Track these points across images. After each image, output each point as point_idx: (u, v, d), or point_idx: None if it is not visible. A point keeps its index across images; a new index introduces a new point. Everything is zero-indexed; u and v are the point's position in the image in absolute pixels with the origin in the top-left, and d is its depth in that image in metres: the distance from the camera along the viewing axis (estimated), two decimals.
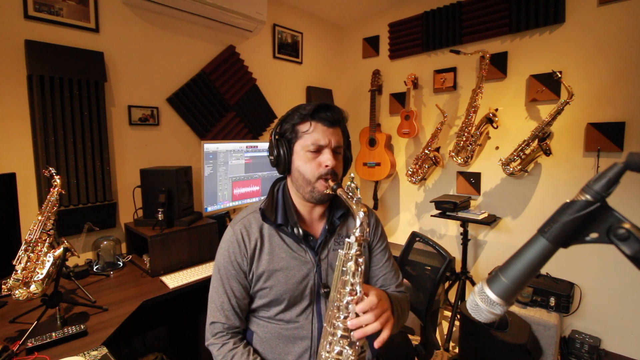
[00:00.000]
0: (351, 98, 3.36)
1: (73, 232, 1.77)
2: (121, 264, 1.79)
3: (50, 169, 1.36)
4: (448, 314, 2.55)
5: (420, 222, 2.94)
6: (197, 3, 1.96)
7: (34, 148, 1.66)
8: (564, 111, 2.01)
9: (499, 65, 2.38)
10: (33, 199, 1.66)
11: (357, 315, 0.76)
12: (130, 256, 1.87)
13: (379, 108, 3.12)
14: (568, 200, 0.44)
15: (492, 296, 0.48)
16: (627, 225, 0.40)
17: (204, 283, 1.61)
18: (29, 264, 1.16)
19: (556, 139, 2.18)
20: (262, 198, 1.12)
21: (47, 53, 1.63)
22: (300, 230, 0.96)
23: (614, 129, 1.99)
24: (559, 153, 2.18)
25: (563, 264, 2.19)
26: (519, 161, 2.19)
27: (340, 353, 0.76)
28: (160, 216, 1.66)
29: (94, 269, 1.74)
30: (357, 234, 0.77)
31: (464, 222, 2.35)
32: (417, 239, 1.57)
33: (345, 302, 0.77)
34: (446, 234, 2.78)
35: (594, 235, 0.43)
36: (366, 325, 0.75)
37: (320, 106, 0.93)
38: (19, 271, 1.13)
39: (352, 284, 0.77)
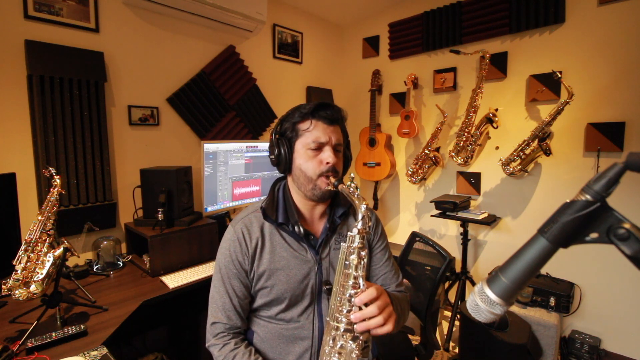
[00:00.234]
0: (351, 98, 3.36)
1: (73, 232, 1.77)
2: (121, 264, 1.79)
3: (50, 169, 1.36)
4: (448, 314, 2.55)
5: (420, 222, 2.94)
6: (197, 3, 1.96)
7: (34, 148, 1.66)
8: (564, 111, 2.01)
9: (499, 65, 2.38)
10: (33, 199, 1.66)
11: (359, 308, 0.76)
12: (130, 256, 1.87)
13: (379, 108, 3.12)
14: (568, 200, 0.44)
15: (492, 296, 0.48)
16: (627, 225, 0.40)
17: (204, 283, 1.61)
18: (29, 264, 1.16)
19: (556, 139, 2.18)
20: (262, 198, 1.12)
21: (47, 53, 1.63)
22: (301, 229, 0.96)
23: (614, 129, 1.99)
24: (559, 153, 2.18)
25: (563, 264, 2.19)
26: (519, 161, 2.19)
27: (343, 347, 0.76)
28: (160, 216, 1.66)
29: (94, 269, 1.73)
30: (360, 226, 0.78)
31: (464, 222, 2.35)
32: (417, 239, 1.57)
33: (347, 295, 0.77)
34: (446, 234, 2.78)
35: (594, 235, 0.43)
36: (369, 318, 0.75)
37: (320, 105, 0.94)
38: (19, 271, 1.13)
39: (355, 277, 0.77)
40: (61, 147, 1.69)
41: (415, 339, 1.50)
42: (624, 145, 1.97)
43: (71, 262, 1.69)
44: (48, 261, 1.18)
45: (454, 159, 2.43)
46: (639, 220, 0.43)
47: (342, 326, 0.77)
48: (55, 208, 1.28)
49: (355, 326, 0.76)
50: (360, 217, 0.79)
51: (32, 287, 1.13)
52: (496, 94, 2.42)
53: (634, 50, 1.92)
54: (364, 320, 0.76)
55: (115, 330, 1.20)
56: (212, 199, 2.04)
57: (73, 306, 1.36)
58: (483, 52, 2.28)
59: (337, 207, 1.03)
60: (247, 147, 2.19)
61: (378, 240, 1.07)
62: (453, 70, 2.61)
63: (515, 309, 2.06)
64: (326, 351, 0.78)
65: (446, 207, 2.35)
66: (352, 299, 0.76)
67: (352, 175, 0.95)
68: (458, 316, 2.18)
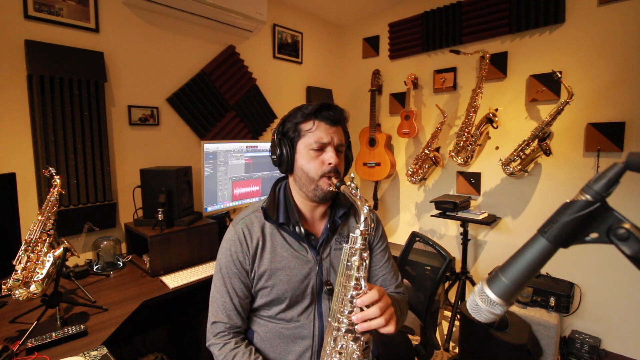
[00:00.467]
0: (351, 98, 3.36)
1: (73, 232, 1.77)
2: (121, 264, 1.79)
3: (50, 169, 1.36)
4: (448, 314, 2.55)
5: (420, 222, 2.94)
6: (197, 3, 1.96)
7: (34, 148, 1.65)
8: (564, 111, 2.01)
9: (499, 65, 2.38)
10: (33, 199, 1.66)
11: (361, 309, 0.76)
12: (130, 256, 1.87)
13: (379, 108, 3.12)
14: (568, 200, 0.44)
15: (492, 296, 0.48)
16: (627, 225, 0.40)
17: (204, 283, 1.61)
18: (29, 264, 1.16)
19: (556, 139, 2.18)
20: (262, 198, 1.12)
21: (47, 53, 1.63)
22: (302, 229, 0.96)
23: (614, 129, 1.99)
24: (559, 153, 2.18)
25: (563, 264, 2.19)
26: (519, 161, 2.19)
27: (344, 348, 0.76)
28: (160, 216, 1.66)
29: (94, 269, 1.73)
30: (362, 227, 0.78)
31: (464, 222, 2.35)
32: (417, 239, 1.57)
33: (349, 296, 0.77)
34: (446, 234, 2.78)
35: (594, 235, 0.43)
36: (371, 319, 0.75)
37: (323, 105, 0.94)
38: (19, 271, 1.13)
39: (356, 279, 0.77)
40: (61, 147, 1.69)
41: (415, 339, 1.50)
42: (624, 145, 1.97)
43: (71, 262, 1.69)
44: (48, 261, 1.18)
45: (454, 159, 2.43)
46: (639, 220, 0.43)
47: (343, 327, 0.77)
48: (55, 208, 1.28)
49: (356, 327, 0.76)
50: (362, 218, 0.78)
51: (32, 287, 1.13)
52: (496, 94, 2.42)
53: (634, 50, 1.92)
54: (365, 321, 0.76)
55: (115, 330, 1.20)
56: (212, 199, 2.04)
57: (73, 306, 1.36)
58: (483, 52, 2.28)
59: (338, 207, 1.03)
60: (247, 147, 2.19)
61: (378, 241, 1.07)
62: (453, 70, 2.61)
63: (515, 309, 2.06)
64: (327, 351, 0.78)
65: (446, 207, 2.35)
66: (354, 300, 0.77)
67: (352, 175, 0.95)
68: (458, 316, 2.18)
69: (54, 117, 1.66)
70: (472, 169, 2.58)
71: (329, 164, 0.93)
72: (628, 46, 1.94)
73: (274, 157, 0.99)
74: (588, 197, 0.42)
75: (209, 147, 1.97)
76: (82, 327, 1.17)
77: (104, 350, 1.06)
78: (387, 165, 2.86)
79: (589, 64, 2.06)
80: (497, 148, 2.44)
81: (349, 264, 0.78)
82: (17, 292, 1.10)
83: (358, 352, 0.76)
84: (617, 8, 1.96)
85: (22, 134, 1.63)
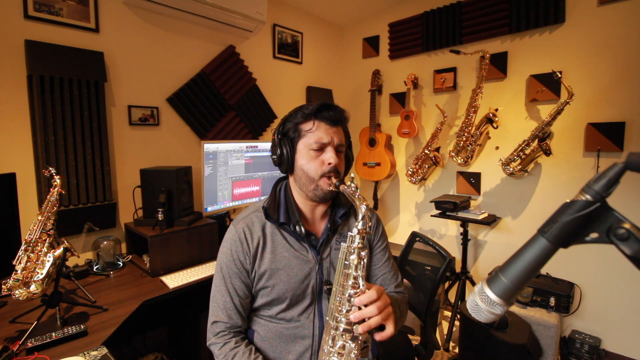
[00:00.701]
0: (351, 98, 3.36)
1: (73, 232, 1.77)
2: (121, 264, 1.79)
3: (50, 169, 1.36)
4: (448, 314, 2.55)
5: (420, 222, 2.94)
6: (197, 3, 1.95)
7: (34, 148, 1.65)
8: (564, 111, 2.01)
9: (499, 65, 2.38)
10: (33, 199, 1.66)
11: (359, 308, 0.76)
12: (130, 256, 1.87)
13: (379, 108, 3.12)
14: (568, 200, 0.44)
15: (492, 296, 0.48)
16: (627, 225, 0.40)
17: (204, 283, 1.61)
18: (29, 264, 1.16)
19: (556, 139, 2.18)
20: (263, 198, 1.12)
21: (47, 53, 1.63)
22: (303, 229, 0.96)
23: (614, 129, 1.99)
24: (559, 153, 2.18)
25: (563, 264, 2.19)
26: (519, 161, 2.19)
27: (343, 347, 0.76)
28: (160, 216, 1.66)
29: (94, 269, 1.73)
30: (360, 226, 0.78)
31: (464, 222, 2.35)
32: (417, 239, 1.57)
33: (347, 295, 0.77)
34: (446, 234, 2.78)
35: (594, 235, 0.43)
36: (369, 318, 0.75)
37: (323, 105, 0.94)
38: (19, 271, 1.13)
39: (354, 277, 0.77)
40: (61, 147, 1.69)
41: (415, 339, 1.50)
42: (624, 145, 1.97)
43: (71, 262, 1.69)
44: (48, 261, 1.18)
45: (454, 159, 2.43)
46: (639, 220, 0.43)
47: (341, 326, 0.77)
48: (55, 208, 1.28)
49: (354, 326, 0.76)
50: (360, 217, 0.79)
51: (32, 287, 1.13)
52: (496, 94, 2.42)
53: (634, 50, 1.92)
54: (363, 320, 0.76)
55: (115, 330, 1.20)
56: (212, 199, 2.04)
57: (73, 306, 1.36)
58: (483, 52, 2.28)
59: (338, 207, 1.03)
60: (247, 147, 2.19)
61: (378, 240, 1.07)
62: (453, 70, 2.61)
63: (515, 309, 2.06)
64: (325, 351, 0.78)
65: (446, 207, 2.35)
66: (352, 299, 0.77)
67: (352, 175, 0.95)
68: (458, 316, 2.18)
69: (54, 117, 1.66)
70: (472, 169, 2.58)
71: (329, 164, 0.93)
72: (628, 46, 1.94)
73: (275, 157, 0.99)
74: (588, 197, 0.42)
75: (209, 147, 1.97)
76: (82, 327, 1.17)
77: (104, 350, 1.06)
78: (387, 165, 2.86)
79: (589, 64, 2.06)
80: (497, 148, 2.44)
81: (347, 262, 0.78)
82: (17, 292, 1.10)
83: (356, 351, 0.76)
84: (617, 8, 1.96)
85: (22, 134, 1.63)
